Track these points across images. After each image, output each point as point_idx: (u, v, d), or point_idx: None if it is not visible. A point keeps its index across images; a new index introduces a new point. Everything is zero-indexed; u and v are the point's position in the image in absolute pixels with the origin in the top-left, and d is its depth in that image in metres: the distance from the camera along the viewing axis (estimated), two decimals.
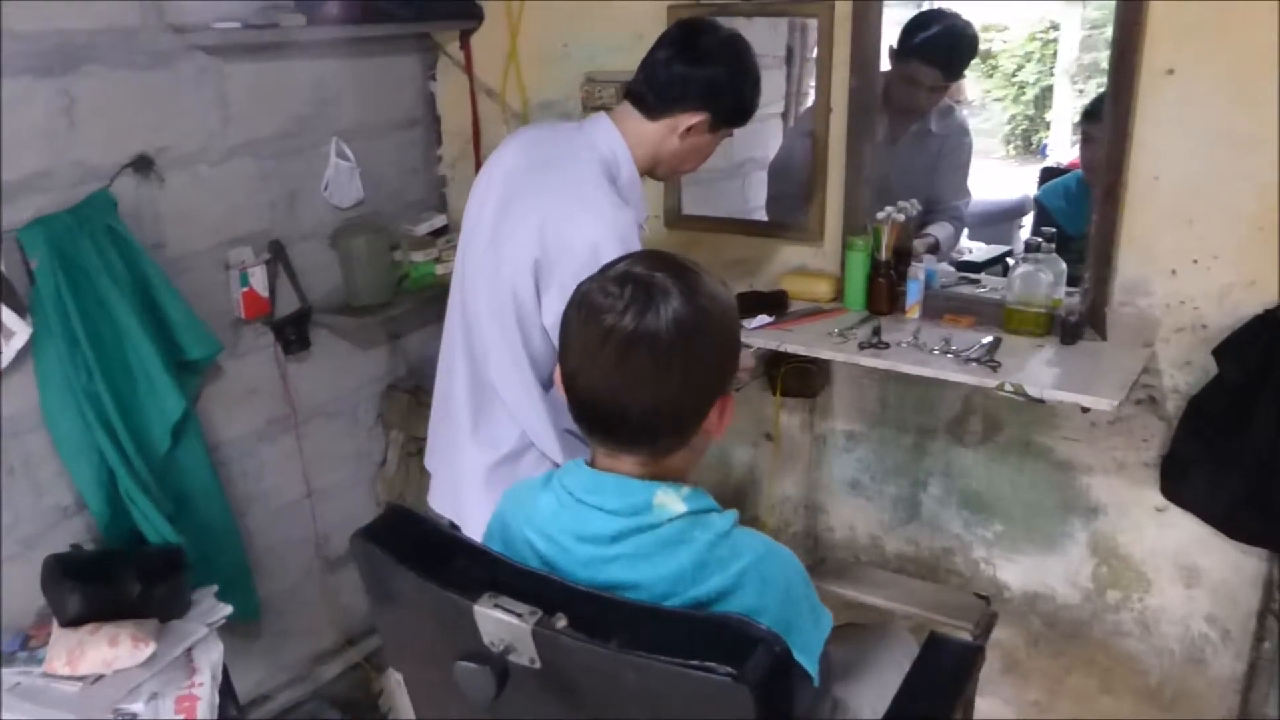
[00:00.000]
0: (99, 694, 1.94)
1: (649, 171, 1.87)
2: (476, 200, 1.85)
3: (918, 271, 2.24)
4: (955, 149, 2.57)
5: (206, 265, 2.41)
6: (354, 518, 1.21)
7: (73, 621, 2.00)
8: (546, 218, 1.70)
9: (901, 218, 2.26)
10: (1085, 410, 1.96)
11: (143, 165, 2.23)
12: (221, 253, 2.44)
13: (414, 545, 1.21)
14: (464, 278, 1.87)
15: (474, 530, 1.58)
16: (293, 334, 2.61)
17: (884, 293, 2.27)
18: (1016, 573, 2.42)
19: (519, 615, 1.07)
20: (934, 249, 2.48)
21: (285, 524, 2.72)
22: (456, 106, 2.88)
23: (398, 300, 2.73)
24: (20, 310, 1.99)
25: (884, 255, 2.27)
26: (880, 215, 2.26)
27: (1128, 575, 2.28)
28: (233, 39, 2.31)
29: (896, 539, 2.55)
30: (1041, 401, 1.92)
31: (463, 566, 1.17)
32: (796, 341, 2.14)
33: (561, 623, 1.06)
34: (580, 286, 1.18)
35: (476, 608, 1.08)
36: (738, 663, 0.98)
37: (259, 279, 2.49)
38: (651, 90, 1.80)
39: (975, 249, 2.68)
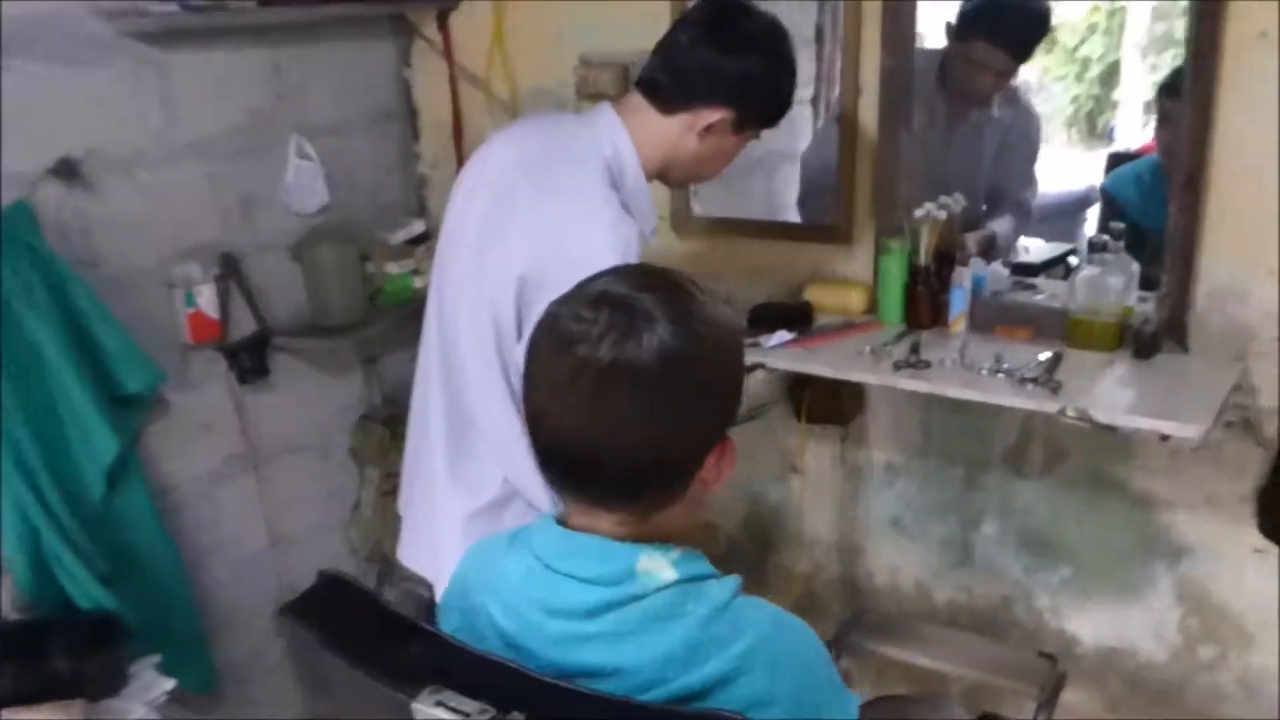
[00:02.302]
0: None
1: (660, 175, 1.77)
2: (460, 202, 1.75)
3: (963, 277, 2.12)
4: (1022, 138, 2.48)
5: (148, 284, 2.33)
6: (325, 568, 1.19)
7: None
8: (540, 229, 1.60)
9: (943, 215, 2.14)
10: (1165, 438, 1.83)
11: (66, 171, 2.14)
12: (165, 269, 2.35)
13: (349, 623, 1.10)
14: (442, 291, 1.77)
15: None
16: (248, 361, 2.51)
17: (924, 303, 2.16)
18: (1089, 625, 2.29)
19: (466, 715, 0.96)
20: (990, 246, 2.36)
21: (247, 579, 2.62)
22: (436, 97, 2.79)
23: (371, 318, 2.64)
24: None
25: (924, 260, 2.15)
26: (919, 213, 2.14)
27: (1224, 628, 2.14)
28: (173, 23, 2.23)
29: (946, 586, 2.42)
30: (1112, 430, 1.79)
31: (406, 651, 1.06)
32: (822, 362, 2.03)
33: None
34: (549, 309, 1.08)
35: (415, 704, 0.98)
36: None
37: (207, 298, 2.39)
38: (670, 78, 1.69)
39: (1033, 247, 2.56)
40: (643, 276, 1.08)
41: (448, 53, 2.72)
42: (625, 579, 1.06)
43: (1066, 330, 2.04)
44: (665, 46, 1.72)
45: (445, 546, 1.75)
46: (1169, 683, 2.22)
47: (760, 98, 1.71)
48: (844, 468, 2.46)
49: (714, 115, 1.68)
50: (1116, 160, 2.60)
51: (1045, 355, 1.97)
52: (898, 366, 1.98)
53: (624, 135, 1.69)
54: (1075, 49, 2.83)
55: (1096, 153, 2.74)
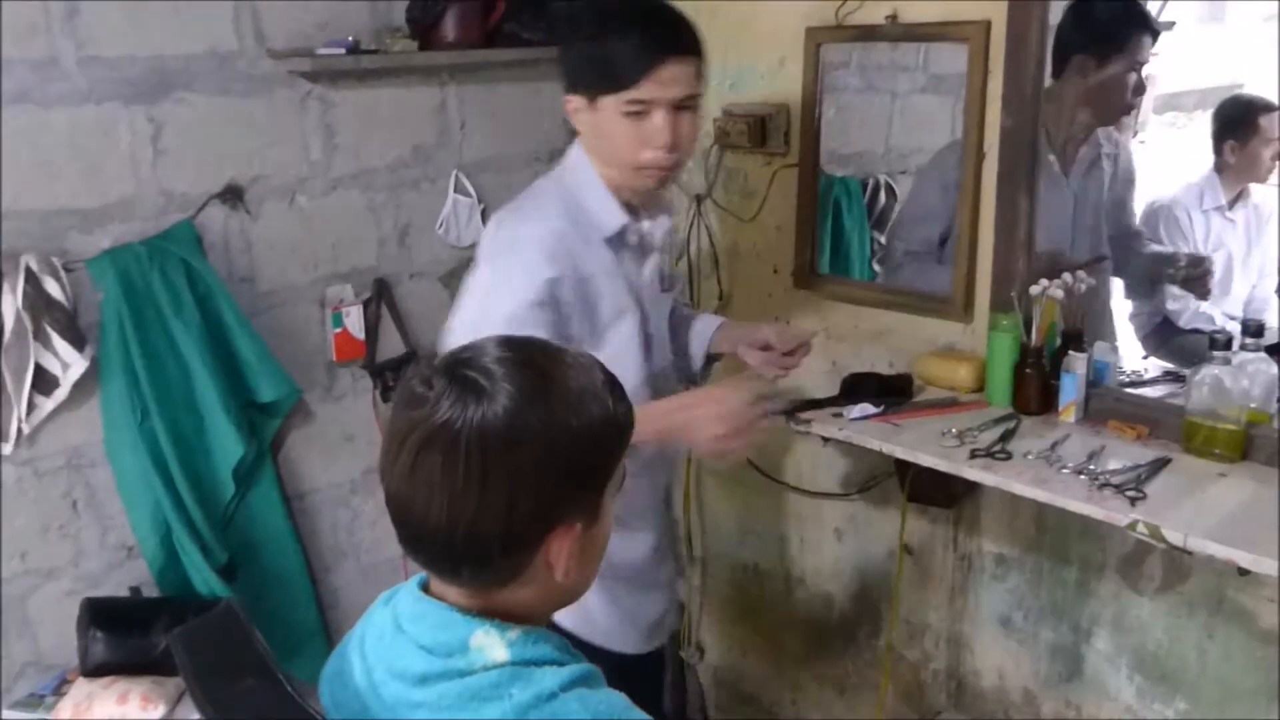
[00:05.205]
0: None
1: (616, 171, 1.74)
2: None
3: (1076, 363, 1.93)
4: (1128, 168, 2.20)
5: (303, 302, 2.50)
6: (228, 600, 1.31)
7: (93, 671, 2.11)
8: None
9: (1059, 294, 1.95)
10: (1244, 572, 1.58)
11: (231, 195, 2.35)
12: (319, 289, 2.52)
13: (220, 652, 1.16)
14: None
15: None
16: (392, 380, 2.65)
17: (1032, 386, 1.98)
18: None
19: None
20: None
21: (377, 583, 2.72)
22: None
23: None
24: (78, 343, 2.14)
25: (1035, 340, 1.97)
26: (1034, 290, 1.96)
27: None
28: (338, 66, 2.39)
29: (1054, 699, 2.20)
30: (1187, 553, 1.58)
31: (247, 690, 1.10)
32: (898, 441, 1.90)
33: None
34: (408, 370, 1.09)
35: None
36: None
37: (354, 320, 2.55)
38: None
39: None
40: (523, 349, 1.06)
41: None
42: (457, 652, 1.04)
43: (1182, 433, 1.81)
44: None
45: None
46: None
47: (574, 64, 1.71)
48: (955, 553, 2.29)
49: (569, 101, 1.72)
50: None
51: (1150, 458, 1.77)
52: (974, 455, 1.83)
53: (576, 150, 1.78)
54: None
55: None
